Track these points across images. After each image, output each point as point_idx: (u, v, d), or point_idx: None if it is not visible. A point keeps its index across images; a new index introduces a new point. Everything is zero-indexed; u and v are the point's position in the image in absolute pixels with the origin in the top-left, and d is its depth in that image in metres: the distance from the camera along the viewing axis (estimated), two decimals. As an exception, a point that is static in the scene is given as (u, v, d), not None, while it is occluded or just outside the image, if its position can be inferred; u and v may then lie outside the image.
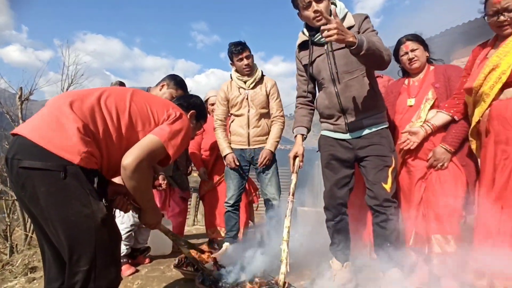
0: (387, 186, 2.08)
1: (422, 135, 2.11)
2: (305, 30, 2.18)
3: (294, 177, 2.21)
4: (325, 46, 2.12)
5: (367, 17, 2.07)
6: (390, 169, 2.10)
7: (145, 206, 1.69)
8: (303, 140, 2.31)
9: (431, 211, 2.14)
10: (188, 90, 2.72)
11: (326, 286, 2.15)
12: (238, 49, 2.89)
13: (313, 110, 2.39)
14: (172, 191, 3.31)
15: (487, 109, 1.89)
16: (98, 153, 1.41)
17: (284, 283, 1.99)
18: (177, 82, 2.70)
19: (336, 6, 2.07)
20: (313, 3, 1.97)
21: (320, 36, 2.02)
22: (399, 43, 2.34)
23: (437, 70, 2.28)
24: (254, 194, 3.60)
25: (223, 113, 3.07)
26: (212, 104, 3.54)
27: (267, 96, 2.99)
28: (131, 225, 2.71)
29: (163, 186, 3.13)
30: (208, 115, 3.65)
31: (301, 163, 2.23)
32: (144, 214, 1.73)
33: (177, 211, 3.30)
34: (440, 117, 2.11)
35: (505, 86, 1.80)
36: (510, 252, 1.73)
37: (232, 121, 3.05)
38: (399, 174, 2.33)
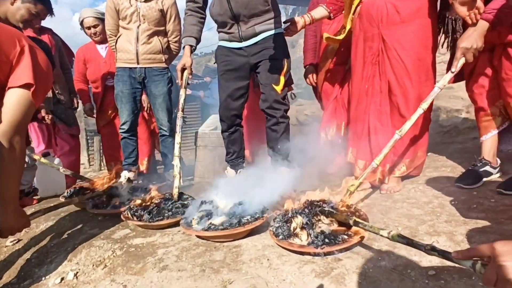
0: (278, 88, 2.14)
1: (301, 25, 2.16)
2: None
3: (182, 92, 2.16)
4: None
5: None
6: (283, 72, 2.15)
7: (8, 205, 1.36)
8: (191, 52, 2.21)
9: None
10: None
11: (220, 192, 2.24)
12: None
13: (204, 18, 2.26)
14: (57, 128, 2.97)
15: (358, 5, 1.99)
16: None
17: (180, 194, 2.02)
18: None
19: None
20: None
21: None
22: None
23: None
24: (155, 123, 3.45)
25: (113, 26, 2.73)
26: (89, 28, 3.10)
27: (163, 14, 2.70)
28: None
29: (48, 120, 2.78)
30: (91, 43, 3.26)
31: (190, 76, 2.17)
32: (5, 217, 1.36)
33: (67, 149, 3.00)
34: (319, 11, 2.17)
35: None
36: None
37: (119, 36, 2.73)
38: (326, 77, 2.50)
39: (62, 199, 2.29)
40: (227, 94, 2.21)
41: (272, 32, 2.14)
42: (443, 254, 0.85)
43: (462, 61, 1.50)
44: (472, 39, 1.46)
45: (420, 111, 1.57)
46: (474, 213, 1.56)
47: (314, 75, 2.67)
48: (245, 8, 2.04)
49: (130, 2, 2.63)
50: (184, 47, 2.20)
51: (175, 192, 2.00)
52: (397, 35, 1.87)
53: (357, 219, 1.29)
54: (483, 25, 1.47)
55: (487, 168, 1.92)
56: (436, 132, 3.27)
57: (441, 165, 2.37)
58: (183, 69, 2.15)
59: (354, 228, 1.36)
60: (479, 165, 1.93)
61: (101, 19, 3.11)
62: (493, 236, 1.34)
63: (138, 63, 2.67)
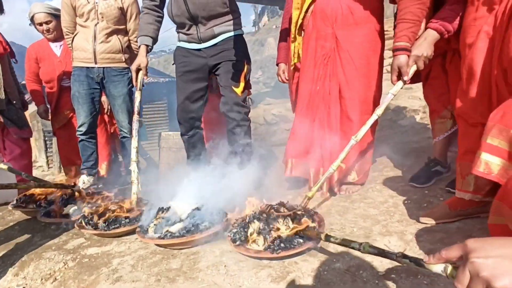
0: (238, 90, 2.12)
1: None
2: None
3: (138, 94, 2.08)
4: None
5: None
6: (243, 74, 2.13)
7: None
8: (147, 52, 2.15)
9: None
10: None
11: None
12: None
13: (162, 16, 2.20)
14: (6, 130, 2.77)
15: (312, 4, 1.97)
16: None
17: (138, 199, 1.96)
18: None
19: None
20: None
21: None
22: None
23: None
24: (116, 125, 3.32)
25: (70, 24, 2.59)
26: (40, 24, 2.92)
27: (123, 13, 2.59)
28: None
29: (-8, 125, 2.60)
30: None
31: (145, 77, 2.11)
32: None
33: (17, 152, 2.80)
34: None
35: None
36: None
37: (76, 34, 2.59)
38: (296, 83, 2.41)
39: (10, 208, 2.15)
40: (185, 96, 2.16)
41: (232, 33, 2.12)
42: (415, 261, 0.79)
43: (413, 68, 1.55)
44: (422, 47, 1.52)
45: (374, 116, 1.60)
46: (424, 212, 1.63)
47: (286, 73, 2.62)
48: (203, 10, 2.01)
49: None
50: (139, 46, 2.13)
51: (133, 198, 1.94)
52: (351, 36, 1.88)
53: (329, 234, 1.25)
54: (432, 34, 1.53)
55: (438, 168, 2.02)
56: (395, 132, 3.40)
57: (398, 164, 2.47)
58: (138, 70, 2.08)
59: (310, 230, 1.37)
60: (431, 164, 2.03)
61: (54, 15, 2.94)
62: (439, 235, 1.41)
63: (96, 63, 2.56)
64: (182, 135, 2.29)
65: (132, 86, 2.75)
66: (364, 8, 1.86)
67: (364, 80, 1.88)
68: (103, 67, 2.58)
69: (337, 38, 1.88)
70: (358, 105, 1.88)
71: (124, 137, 2.76)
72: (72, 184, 2.37)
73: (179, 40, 2.19)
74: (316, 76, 1.96)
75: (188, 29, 2.11)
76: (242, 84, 2.14)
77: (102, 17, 2.53)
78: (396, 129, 3.48)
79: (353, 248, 1.14)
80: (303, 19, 1.99)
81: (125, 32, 2.67)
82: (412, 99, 4.15)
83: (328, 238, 1.24)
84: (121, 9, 2.58)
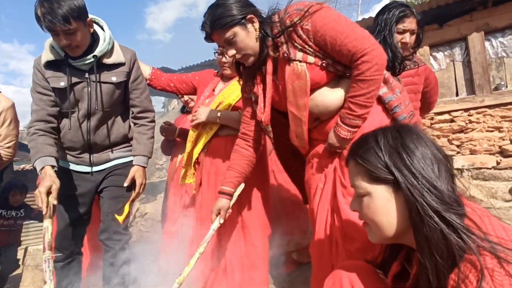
0: (120, 218, 2.00)
1: None
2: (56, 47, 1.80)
3: (48, 223, 1.60)
4: (86, 74, 1.85)
5: (135, 57, 2.00)
6: (129, 201, 2.05)
7: None
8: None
9: None
10: None
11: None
12: None
13: (58, 140, 1.98)
14: None
15: (209, 142, 2.17)
16: None
17: None
18: None
19: (103, 29, 1.89)
20: None
21: (85, 62, 1.80)
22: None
23: None
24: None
25: None
26: None
27: None
28: None
29: None
30: None
31: (55, 202, 1.70)
32: None
33: None
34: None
35: None
36: None
37: None
38: None
39: None
40: (67, 223, 1.96)
41: (127, 159, 2.08)
42: None
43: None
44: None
45: (197, 255, 1.67)
46: None
47: None
48: (103, 141, 1.98)
49: None
50: (42, 169, 1.76)
51: None
52: None
53: None
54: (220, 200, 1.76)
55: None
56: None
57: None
58: (48, 193, 1.68)
59: None
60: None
61: None
62: None
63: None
64: (56, 261, 2.00)
65: None
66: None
67: (259, 207, 2.06)
68: None
69: None
70: (260, 230, 2.03)
71: None
72: None
73: (62, 159, 1.98)
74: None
75: (80, 154, 2.00)
76: (126, 211, 2.03)
77: None
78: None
79: None
80: (199, 154, 2.16)
81: None
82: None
83: None
84: None
